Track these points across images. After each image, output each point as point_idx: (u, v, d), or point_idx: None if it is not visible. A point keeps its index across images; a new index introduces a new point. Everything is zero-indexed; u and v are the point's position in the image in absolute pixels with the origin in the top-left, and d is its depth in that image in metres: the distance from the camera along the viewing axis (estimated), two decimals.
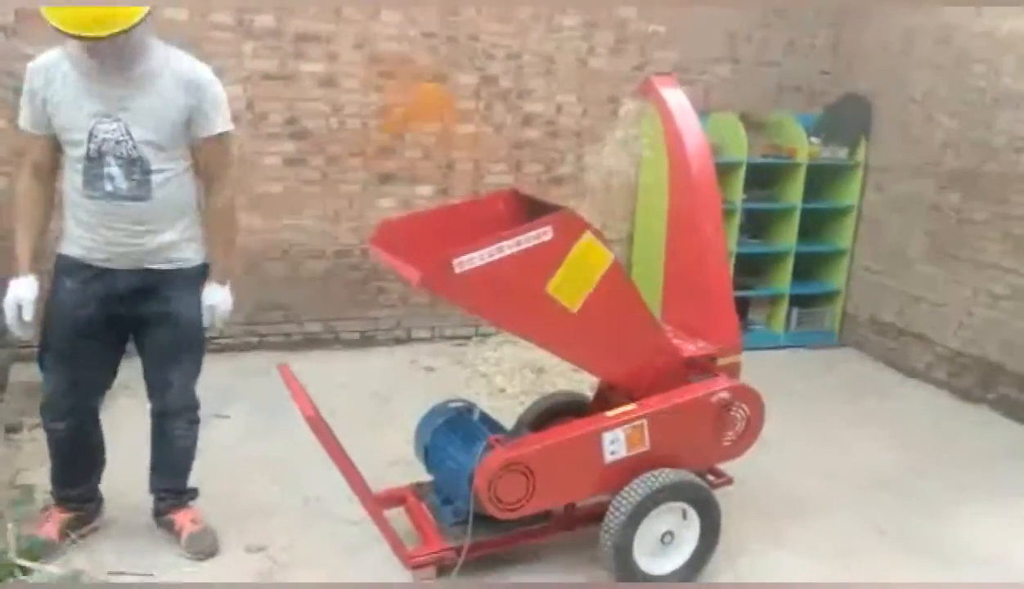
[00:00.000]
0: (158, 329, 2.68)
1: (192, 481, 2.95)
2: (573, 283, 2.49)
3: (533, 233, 2.40)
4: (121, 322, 2.67)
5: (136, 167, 2.48)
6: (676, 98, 3.05)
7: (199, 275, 2.73)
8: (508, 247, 2.36)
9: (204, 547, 2.80)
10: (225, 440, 3.66)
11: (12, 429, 3.55)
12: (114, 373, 2.80)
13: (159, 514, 2.90)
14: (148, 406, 2.85)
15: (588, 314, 2.52)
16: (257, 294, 4.75)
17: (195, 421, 2.87)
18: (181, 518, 2.85)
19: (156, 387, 2.78)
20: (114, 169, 2.47)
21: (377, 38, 4.64)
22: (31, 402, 3.52)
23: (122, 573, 2.66)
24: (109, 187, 2.48)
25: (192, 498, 2.94)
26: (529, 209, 2.85)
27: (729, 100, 5.32)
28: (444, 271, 2.30)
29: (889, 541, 3.15)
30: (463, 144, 4.93)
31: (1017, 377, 4.34)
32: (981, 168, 4.53)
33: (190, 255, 2.69)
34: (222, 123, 2.62)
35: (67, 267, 2.60)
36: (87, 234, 2.55)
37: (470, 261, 2.31)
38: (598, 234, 2.51)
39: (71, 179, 2.52)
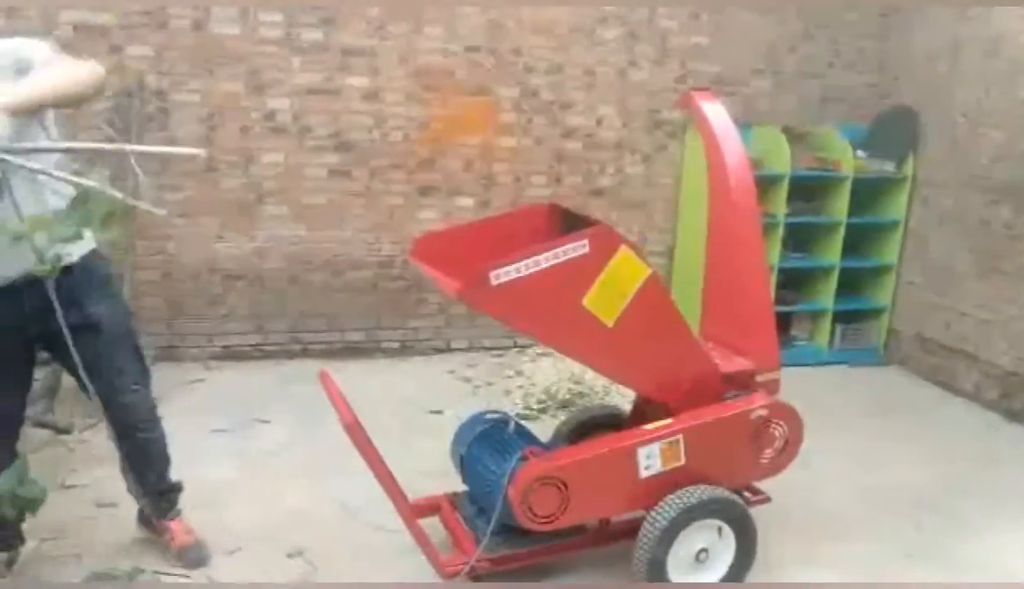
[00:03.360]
0: (81, 340, 2.45)
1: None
2: (609, 297, 2.50)
3: (570, 246, 2.41)
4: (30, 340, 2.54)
5: None
6: (716, 112, 3.04)
7: (98, 269, 2.60)
8: (545, 260, 2.38)
9: (195, 558, 2.81)
10: (265, 445, 3.75)
11: (63, 431, 3.67)
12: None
13: (152, 519, 2.86)
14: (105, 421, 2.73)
15: (624, 328, 2.52)
16: (301, 303, 4.84)
17: (158, 421, 2.79)
18: (175, 527, 2.85)
19: (106, 402, 2.59)
20: None
21: (420, 52, 4.71)
22: (82, 406, 3.65)
23: (168, 573, 2.73)
24: None
25: (179, 492, 2.91)
26: (566, 222, 2.87)
27: (771, 112, 5.28)
28: (481, 283, 2.33)
29: (924, 562, 3.08)
30: (504, 156, 4.97)
31: None
32: None
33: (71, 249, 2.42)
34: (42, 58, 2.31)
35: None
36: None
37: (507, 274, 2.33)
38: (635, 248, 2.52)
39: None
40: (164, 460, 2.85)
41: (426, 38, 4.71)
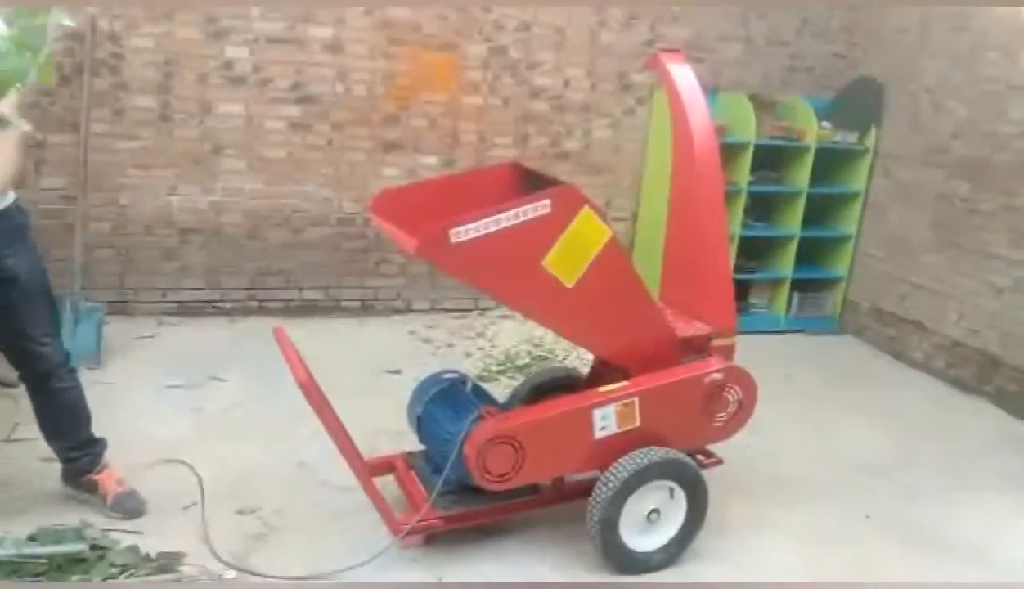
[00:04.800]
0: None
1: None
2: (569, 258, 2.48)
3: (531, 206, 2.39)
4: None
5: None
6: (683, 74, 3.01)
7: (16, 221, 2.58)
8: (506, 219, 2.35)
9: (132, 507, 2.78)
10: (221, 403, 3.69)
11: (7, 384, 3.56)
12: None
13: (78, 474, 2.82)
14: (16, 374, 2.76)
15: (583, 290, 2.51)
16: (258, 259, 4.75)
17: (72, 371, 2.77)
18: (105, 479, 2.81)
19: (16, 353, 2.68)
20: None
21: (386, 3, 4.59)
22: None
23: (112, 529, 2.68)
24: None
25: (101, 447, 2.86)
26: (529, 182, 2.84)
27: (739, 79, 5.27)
28: (441, 240, 2.30)
29: (874, 527, 3.16)
30: (469, 115, 4.90)
31: (1015, 370, 4.33)
32: (991, 158, 4.48)
33: None
34: None
35: None
36: None
37: (467, 232, 2.31)
38: (597, 210, 2.50)
39: None
40: (79, 413, 2.80)
41: None
